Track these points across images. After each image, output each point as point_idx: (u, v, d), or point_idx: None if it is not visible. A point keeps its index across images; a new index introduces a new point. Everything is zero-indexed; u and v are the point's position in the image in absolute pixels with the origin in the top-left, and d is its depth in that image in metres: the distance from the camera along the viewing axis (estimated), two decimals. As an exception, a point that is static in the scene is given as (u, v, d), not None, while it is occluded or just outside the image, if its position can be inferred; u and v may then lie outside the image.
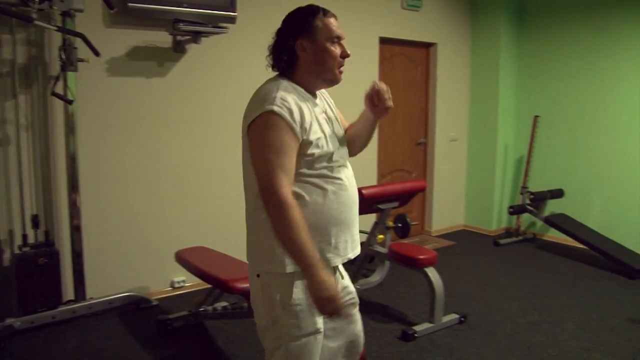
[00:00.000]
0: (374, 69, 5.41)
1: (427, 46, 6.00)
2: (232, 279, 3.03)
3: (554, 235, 5.89)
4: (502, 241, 5.85)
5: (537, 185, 5.98)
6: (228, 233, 4.42)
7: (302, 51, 1.89)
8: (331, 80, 1.96)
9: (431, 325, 3.66)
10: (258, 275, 1.94)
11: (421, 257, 3.67)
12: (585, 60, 5.65)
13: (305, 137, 1.82)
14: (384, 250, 4.07)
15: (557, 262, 5.20)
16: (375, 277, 4.48)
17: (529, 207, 5.70)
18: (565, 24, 5.74)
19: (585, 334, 3.67)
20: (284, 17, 1.95)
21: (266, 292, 1.92)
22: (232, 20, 4.15)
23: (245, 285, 2.85)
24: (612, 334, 3.68)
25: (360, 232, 4.34)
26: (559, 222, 5.47)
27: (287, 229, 1.76)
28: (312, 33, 1.88)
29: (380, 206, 3.96)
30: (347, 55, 1.95)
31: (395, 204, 4.02)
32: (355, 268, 4.25)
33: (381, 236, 4.23)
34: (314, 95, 1.97)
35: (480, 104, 6.32)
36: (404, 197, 4.05)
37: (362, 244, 4.29)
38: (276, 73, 1.97)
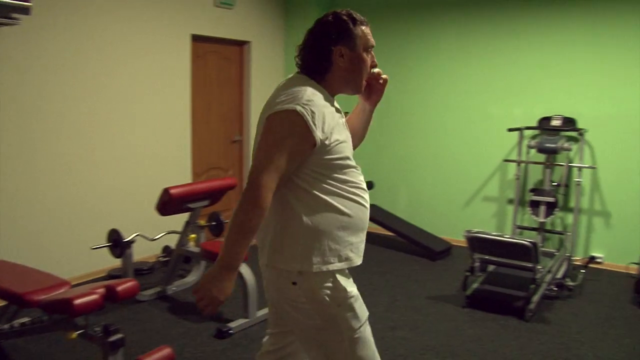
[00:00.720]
0: (185, 67, 5.27)
1: (241, 44, 6.00)
2: (29, 292, 2.73)
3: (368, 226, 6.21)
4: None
5: (351, 178, 6.26)
6: (29, 242, 4.04)
7: (339, 57, 1.85)
8: (358, 88, 1.94)
9: (246, 320, 3.66)
10: (294, 283, 1.84)
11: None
12: (395, 58, 6.06)
13: (326, 142, 1.75)
14: (196, 250, 3.99)
15: (370, 250, 5.44)
16: (191, 277, 4.38)
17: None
18: (377, 22, 6.07)
19: (391, 315, 3.92)
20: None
21: (314, 293, 1.83)
22: (25, 11, 3.77)
23: (44, 296, 2.61)
24: (414, 311, 3.98)
25: (173, 232, 4.30)
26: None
27: (243, 228, 1.71)
28: (351, 41, 1.85)
29: (190, 205, 3.87)
30: (376, 65, 1.94)
31: (206, 202, 3.96)
32: (170, 269, 4.13)
33: (193, 235, 4.14)
34: (334, 100, 1.91)
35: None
36: (214, 196, 4.01)
37: (174, 244, 4.19)
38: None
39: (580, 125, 5.03)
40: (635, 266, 4.60)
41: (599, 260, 5.20)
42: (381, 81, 2.03)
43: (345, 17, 1.85)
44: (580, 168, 4.94)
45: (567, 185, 5.16)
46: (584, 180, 5.14)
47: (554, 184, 5.10)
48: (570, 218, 5.12)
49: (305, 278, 1.83)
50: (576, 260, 5.16)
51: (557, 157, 5.09)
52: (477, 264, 4.06)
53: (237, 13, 5.79)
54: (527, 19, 5.33)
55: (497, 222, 5.69)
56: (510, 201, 5.46)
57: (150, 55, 4.90)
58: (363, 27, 1.88)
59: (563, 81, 5.21)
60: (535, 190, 5.12)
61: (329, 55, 1.85)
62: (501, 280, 4.33)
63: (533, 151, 5.06)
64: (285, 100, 1.74)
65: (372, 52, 1.92)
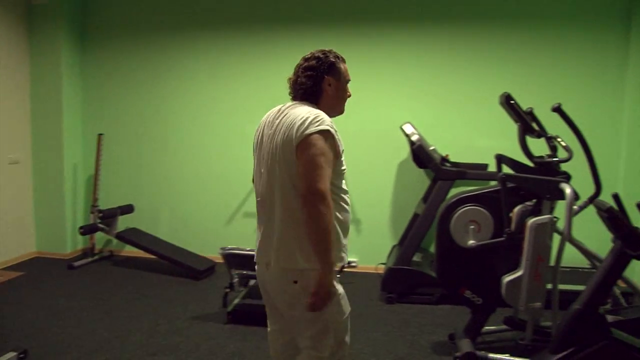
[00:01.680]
0: None
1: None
2: None
3: (131, 250, 5.99)
4: (77, 263, 5.63)
5: (109, 202, 5.97)
6: None
7: (327, 86, 2.25)
8: (340, 112, 2.36)
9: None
10: (295, 282, 2.12)
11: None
12: (148, 79, 5.98)
13: (342, 154, 2.16)
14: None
15: (132, 276, 5.29)
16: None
17: (100, 225, 5.64)
18: (127, 44, 5.95)
19: (153, 340, 3.80)
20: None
21: (309, 290, 2.10)
22: None
23: None
24: (175, 334, 3.92)
25: None
26: (130, 236, 5.59)
27: (325, 229, 2.01)
28: (337, 73, 2.28)
29: None
30: (350, 95, 2.37)
31: None
32: None
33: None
34: None
35: (44, 123, 5.96)
36: None
37: None
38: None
39: (325, 141, 5.47)
40: (383, 266, 5.13)
41: (354, 264, 5.70)
42: None
43: (334, 54, 2.30)
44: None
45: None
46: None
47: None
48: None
49: (305, 276, 2.11)
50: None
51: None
52: (236, 280, 4.16)
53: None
54: (273, 43, 5.67)
55: (259, 236, 5.89)
56: (269, 215, 5.69)
57: None
58: (344, 65, 2.33)
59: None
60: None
61: (321, 83, 2.23)
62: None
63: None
64: (315, 122, 2.07)
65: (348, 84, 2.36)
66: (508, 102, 3.34)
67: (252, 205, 5.80)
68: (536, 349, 3.27)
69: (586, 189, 3.44)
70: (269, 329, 2.47)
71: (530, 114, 3.49)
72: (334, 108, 2.32)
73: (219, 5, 5.80)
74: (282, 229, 2.14)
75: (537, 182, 3.18)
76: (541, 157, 3.43)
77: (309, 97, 2.25)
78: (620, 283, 3.82)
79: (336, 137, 2.12)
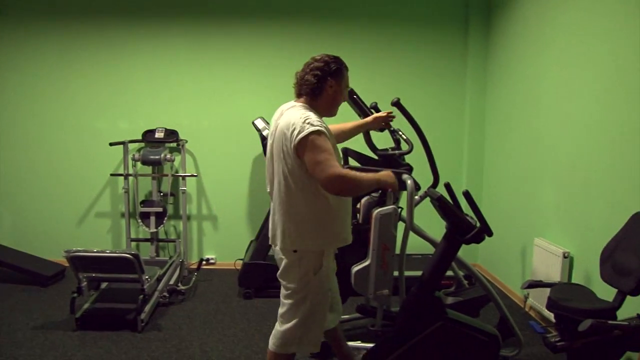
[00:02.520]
0: None
1: None
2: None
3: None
4: None
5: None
6: None
7: (329, 88, 2.55)
8: (333, 114, 2.65)
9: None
10: (295, 251, 2.54)
11: None
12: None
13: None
14: None
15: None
16: None
17: None
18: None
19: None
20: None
21: (302, 264, 2.54)
22: None
23: None
24: (15, 347, 3.63)
25: None
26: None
27: (359, 184, 2.43)
28: (340, 79, 2.57)
29: None
30: (345, 100, 2.70)
31: None
32: None
33: None
34: None
35: None
36: None
37: None
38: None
39: (181, 136, 5.35)
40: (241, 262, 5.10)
41: (212, 261, 5.62)
42: (389, 120, 3.22)
43: (341, 61, 2.60)
44: (184, 177, 5.25)
45: (173, 195, 5.42)
46: (189, 188, 5.50)
47: (161, 194, 5.30)
48: (181, 225, 5.39)
49: (305, 255, 2.53)
50: (191, 264, 5.48)
51: (164, 167, 5.30)
52: (84, 284, 3.93)
53: None
54: (128, 34, 5.42)
55: (113, 237, 5.63)
56: (123, 215, 5.46)
57: None
58: (347, 73, 2.64)
59: (165, 95, 5.47)
60: (145, 202, 5.24)
61: (324, 83, 2.53)
62: (115, 296, 4.29)
63: (140, 163, 5.16)
64: (307, 125, 2.37)
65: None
66: (351, 97, 3.45)
67: (104, 204, 5.55)
68: (385, 334, 3.43)
69: (430, 180, 3.67)
70: None
71: (375, 108, 3.63)
72: (329, 109, 2.62)
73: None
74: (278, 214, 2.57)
75: (380, 174, 3.31)
76: (385, 149, 3.59)
77: (310, 94, 2.56)
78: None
79: (327, 134, 2.42)
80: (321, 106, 2.59)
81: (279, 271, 2.66)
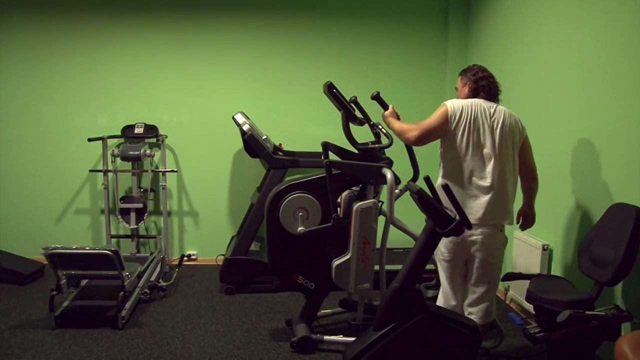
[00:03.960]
0: None
1: None
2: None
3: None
4: None
5: None
6: None
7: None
8: None
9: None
10: (501, 230, 3.02)
11: None
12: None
13: None
14: None
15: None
16: None
17: None
18: None
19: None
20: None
21: (502, 239, 3.05)
22: None
23: None
24: (-7, 347, 3.58)
25: None
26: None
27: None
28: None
29: None
30: None
31: None
32: None
33: None
34: None
35: None
36: None
37: None
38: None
39: (161, 131, 5.30)
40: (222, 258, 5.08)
41: (193, 257, 5.59)
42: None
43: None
44: (164, 172, 5.20)
45: (154, 190, 5.38)
46: (170, 184, 5.45)
47: (141, 190, 5.25)
48: (162, 221, 5.35)
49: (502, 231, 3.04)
50: (173, 260, 5.44)
51: (144, 163, 5.25)
52: (64, 281, 3.88)
53: None
54: (107, 29, 5.35)
55: (94, 234, 5.57)
56: (103, 211, 5.40)
57: None
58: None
59: (144, 89, 5.41)
60: (125, 198, 5.19)
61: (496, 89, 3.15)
62: (95, 293, 4.24)
63: (119, 159, 5.11)
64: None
65: None
66: (330, 91, 3.44)
67: (83, 201, 5.48)
68: (367, 328, 3.44)
69: (411, 174, 3.67)
70: None
71: (355, 102, 3.62)
72: None
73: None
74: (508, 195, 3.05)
75: (360, 167, 3.31)
76: (365, 143, 3.58)
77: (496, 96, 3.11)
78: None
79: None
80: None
81: (488, 252, 2.98)
